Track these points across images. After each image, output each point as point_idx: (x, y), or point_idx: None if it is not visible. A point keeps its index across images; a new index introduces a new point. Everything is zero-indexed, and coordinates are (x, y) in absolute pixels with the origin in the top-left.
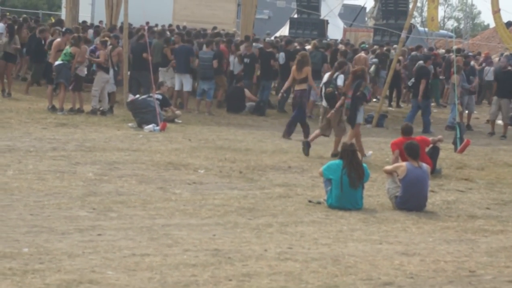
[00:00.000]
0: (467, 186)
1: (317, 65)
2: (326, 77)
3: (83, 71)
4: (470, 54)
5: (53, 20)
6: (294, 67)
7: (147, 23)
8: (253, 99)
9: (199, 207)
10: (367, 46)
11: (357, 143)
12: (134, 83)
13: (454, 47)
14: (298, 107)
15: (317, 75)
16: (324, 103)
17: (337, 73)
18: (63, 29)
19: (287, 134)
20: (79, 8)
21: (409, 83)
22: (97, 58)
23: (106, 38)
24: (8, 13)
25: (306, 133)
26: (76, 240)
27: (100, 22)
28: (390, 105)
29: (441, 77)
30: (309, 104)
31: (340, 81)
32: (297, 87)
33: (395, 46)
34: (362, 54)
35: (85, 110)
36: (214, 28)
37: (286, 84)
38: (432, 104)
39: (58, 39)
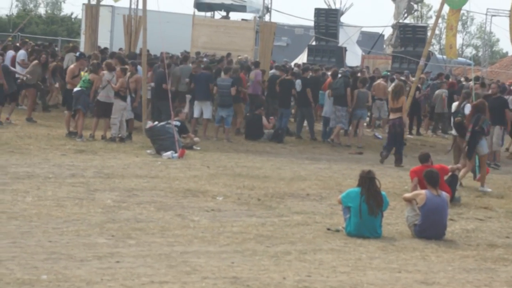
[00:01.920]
0: (487, 215)
1: (340, 90)
2: (454, 106)
3: (108, 97)
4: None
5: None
6: (390, 97)
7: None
8: (269, 128)
9: (218, 234)
10: (389, 73)
11: (481, 173)
12: (155, 111)
13: (473, 74)
14: (394, 135)
15: (341, 100)
16: (453, 132)
17: (464, 103)
18: (77, 54)
19: (384, 158)
20: (98, 34)
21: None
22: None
23: (126, 66)
24: (27, 39)
25: (399, 161)
26: (95, 267)
27: (120, 49)
28: (410, 133)
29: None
30: (336, 129)
31: (467, 110)
32: (393, 116)
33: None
34: (381, 81)
35: (95, 137)
36: (228, 54)
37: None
38: (451, 132)
39: (72, 66)
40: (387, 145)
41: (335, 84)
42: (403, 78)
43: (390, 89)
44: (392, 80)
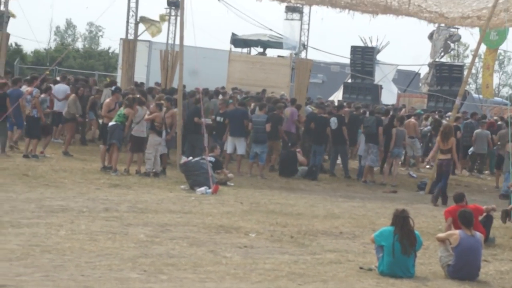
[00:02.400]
0: None
1: (371, 128)
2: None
3: (142, 132)
4: None
5: (109, 81)
6: (439, 138)
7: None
8: (305, 163)
9: (250, 271)
10: (422, 112)
11: None
12: (188, 146)
13: (510, 114)
14: (443, 176)
15: (372, 138)
16: None
17: None
18: (112, 88)
19: (435, 200)
20: (135, 69)
21: (469, 152)
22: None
23: (162, 101)
24: (66, 74)
25: (445, 200)
26: None
27: (156, 83)
28: None
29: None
30: (366, 168)
31: None
32: (442, 156)
33: (448, 113)
34: (412, 119)
35: (130, 171)
36: (264, 91)
37: (431, 154)
38: (486, 172)
39: (108, 100)
40: (434, 185)
41: (366, 122)
42: (438, 116)
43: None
44: (426, 119)
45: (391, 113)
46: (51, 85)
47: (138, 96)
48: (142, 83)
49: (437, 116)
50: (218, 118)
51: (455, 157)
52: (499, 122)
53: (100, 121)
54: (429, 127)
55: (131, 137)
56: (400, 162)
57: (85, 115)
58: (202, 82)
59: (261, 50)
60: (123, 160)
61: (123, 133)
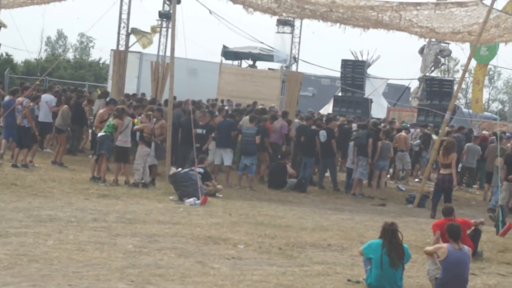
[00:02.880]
0: (509, 270)
1: (361, 139)
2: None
3: (126, 142)
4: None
5: (99, 92)
6: (441, 153)
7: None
8: (295, 175)
9: (238, 283)
10: (408, 125)
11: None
12: (181, 157)
13: (498, 129)
14: (442, 190)
15: (362, 151)
16: None
17: None
18: (107, 100)
19: (434, 214)
20: (125, 80)
21: (458, 168)
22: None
23: (150, 112)
24: (54, 84)
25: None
26: None
27: (143, 94)
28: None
29: None
30: (355, 181)
31: None
32: (443, 171)
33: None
34: (403, 133)
35: (119, 182)
36: (255, 103)
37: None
38: (475, 186)
39: (101, 110)
40: (433, 199)
41: (357, 134)
42: (428, 130)
43: (438, 142)
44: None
45: (379, 126)
46: (40, 94)
47: (123, 107)
48: (134, 94)
49: (426, 130)
50: (199, 131)
51: (454, 172)
52: (492, 137)
53: (90, 131)
54: (418, 141)
55: (115, 148)
56: (388, 175)
57: (84, 125)
58: (193, 93)
59: (251, 62)
60: (113, 171)
61: (112, 143)
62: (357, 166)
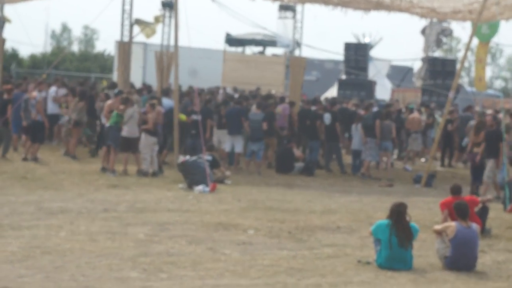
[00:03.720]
0: None
1: (367, 120)
2: None
3: (134, 133)
4: None
5: (105, 83)
6: (472, 132)
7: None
8: (302, 158)
9: (249, 268)
10: (414, 106)
11: None
12: (189, 146)
13: (502, 106)
14: (478, 167)
15: (369, 132)
16: None
17: None
18: (116, 91)
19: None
20: (131, 71)
21: (463, 144)
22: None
23: (155, 101)
24: (59, 77)
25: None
26: None
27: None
28: (443, 165)
29: None
30: (366, 162)
31: None
32: (476, 149)
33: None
34: (416, 114)
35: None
36: (257, 89)
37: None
38: None
39: (109, 101)
40: (473, 175)
41: (365, 116)
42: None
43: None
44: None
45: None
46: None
47: (127, 96)
48: (148, 86)
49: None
50: (195, 117)
51: (480, 149)
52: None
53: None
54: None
55: (122, 138)
56: (394, 156)
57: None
58: (198, 82)
59: (256, 49)
60: (121, 161)
61: (118, 133)
62: (365, 148)
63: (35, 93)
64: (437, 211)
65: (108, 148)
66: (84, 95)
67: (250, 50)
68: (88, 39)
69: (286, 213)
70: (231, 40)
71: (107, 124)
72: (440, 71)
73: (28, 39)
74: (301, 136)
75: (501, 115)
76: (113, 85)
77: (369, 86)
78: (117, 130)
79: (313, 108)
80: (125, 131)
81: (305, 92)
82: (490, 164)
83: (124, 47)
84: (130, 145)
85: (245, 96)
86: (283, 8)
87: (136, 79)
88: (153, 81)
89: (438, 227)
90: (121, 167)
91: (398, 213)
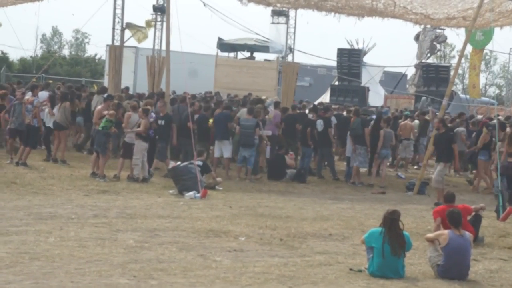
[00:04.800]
0: (510, 255)
1: (357, 130)
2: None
3: (133, 138)
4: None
5: (96, 88)
6: (506, 142)
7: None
8: (293, 165)
9: (240, 275)
10: (409, 113)
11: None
12: (182, 151)
13: (496, 114)
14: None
15: (359, 140)
16: None
17: None
18: (105, 96)
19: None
20: (122, 75)
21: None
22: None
23: (148, 107)
24: (51, 81)
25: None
26: None
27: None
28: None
29: None
30: (354, 170)
31: None
32: (510, 159)
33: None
34: (408, 121)
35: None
36: (249, 94)
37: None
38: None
39: (99, 107)
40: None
41: (353, 125)
42: (427, 117)
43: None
44: (412, 120)
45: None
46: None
47: (119, 102)
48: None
49: (426, 117)
50: (159, 122)
51: None
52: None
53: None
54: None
55: (124, 144)
56: (388, 163)
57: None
58: (190, 87)
59: (247, 54)
60: (112, 166)
61: (107, 138)
62: (354, 155)
63: (31, 98)
64: (430, 219)
65: (97, 154)
66: (65, 96)
67: (242, 55)
68: (79, 43)
69: (277, 220)
70: (222, 45)
71: (97, 129)
72: (433, 77)
73: (18, 42)
74: (288, 140)
75: (494, 122)
76: (103, 90)
77: (362, 92)
78: (104, 135)
79: (311, 116)
80: (128, 137)
81: (297, 98)
82: (439, 167)
83: (115, 51)
84: (132, 151)
85: (235, 101)
86: (276, 13)
87: (127, 84)
88: (144, 86)
89: (430, 235)
90: (111, 172)
91: (391, 221)
